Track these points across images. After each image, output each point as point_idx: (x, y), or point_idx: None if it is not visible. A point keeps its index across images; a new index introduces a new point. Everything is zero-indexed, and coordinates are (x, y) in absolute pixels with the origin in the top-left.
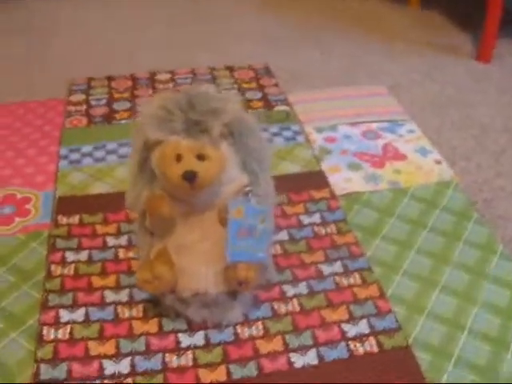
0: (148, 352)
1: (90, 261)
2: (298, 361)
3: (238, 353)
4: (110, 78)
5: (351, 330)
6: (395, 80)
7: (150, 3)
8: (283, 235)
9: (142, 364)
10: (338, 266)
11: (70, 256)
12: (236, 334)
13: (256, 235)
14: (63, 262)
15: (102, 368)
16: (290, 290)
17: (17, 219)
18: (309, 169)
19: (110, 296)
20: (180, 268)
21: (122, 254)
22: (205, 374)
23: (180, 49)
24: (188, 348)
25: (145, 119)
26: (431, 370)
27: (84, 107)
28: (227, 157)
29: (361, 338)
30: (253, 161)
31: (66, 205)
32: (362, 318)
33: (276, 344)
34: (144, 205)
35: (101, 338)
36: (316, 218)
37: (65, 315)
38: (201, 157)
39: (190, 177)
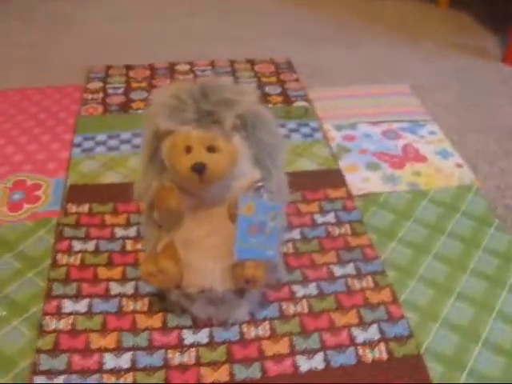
0: (150, 347)
1: (96, 251)
2: (304, 364)
3: (243, 353)
4: (128, 67)
5: (361, 335)
6: (419, 80)
7: None
8: (295, 234)
9: (143, 360)
10: (350, 268)
11: (77, 245)
12: (241, 334)
13: (266, 232)
14: (69, 251)
15: (102, 361)
16: (299, 291)
17: (26, 205)
18: (326, 167)
19: (115, 288)
20: (186, 263)
21: (129, 245)
22: (207, 373)
23: (201, 41)
24: (191, 345)
25: (156, 108)
26: (443, 381)
27: (101, 95)
28: (239, 150)
29: (370, 343)
30: (266, 156)
31: (76, 193)
32: (372, 322)
33: (282, 346)
34: (152, 196)
35: (103, 330)
36: (330, 217)
37: (68, 305)
38: (211, 149)
39: (198, 169)
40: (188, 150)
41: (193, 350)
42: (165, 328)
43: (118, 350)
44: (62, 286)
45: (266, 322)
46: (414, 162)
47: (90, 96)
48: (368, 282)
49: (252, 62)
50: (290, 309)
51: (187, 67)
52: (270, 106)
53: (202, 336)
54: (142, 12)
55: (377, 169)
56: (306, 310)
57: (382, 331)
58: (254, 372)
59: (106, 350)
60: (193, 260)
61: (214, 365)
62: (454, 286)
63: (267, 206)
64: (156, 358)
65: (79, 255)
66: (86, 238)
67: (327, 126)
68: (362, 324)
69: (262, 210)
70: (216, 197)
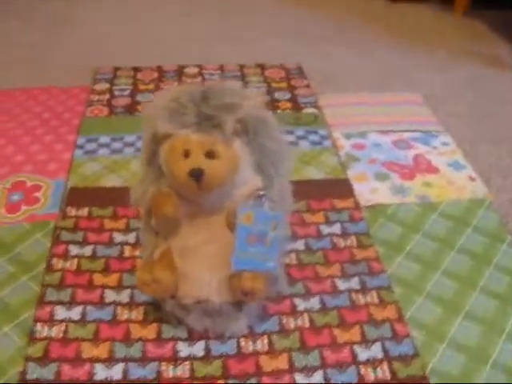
0: (143, 359)
1: (93, 256)
2: (303, 382)
3: (239, 367)
4: (136, 69)
5: (363, 353)
6: (432, 89)
7: None
8: (299, 244)
9: (136, 371)
10: (354, 282)
11: (74, 250)
12: (239, 348)
13: (267, 243)
14: (66, 256)
15: (92, 372)
16: (301, 304)
17: (24, 207)
18: (333, 176)
19: (110, 295)
20: (183, 272)
21: (127, 251)
22: None
23: (210, 44)
24: (186, 358)
25: (155, 111)
26: None
27: (107, 96)
28: (240, 156)
29: (373, 362)
30: (269, 163)
31: (76, 196)
32: (376, 340)
33: (281, 361)
34: (149, 202)
35: (95, 339)
36: (336, 228)
37: (61, 312)
38: (210, 154)
39: (196, 175)
40: (186, 154)
41: (187, 363)
42: (159, 339)
43: (110, 360)
44: (56, 291)
45: (265, 337)
46: (425, 173)
47: (96, 97)
48: (373, 297)
49: (262, 67)
50: (291, 323)
51: (196, 70)
52: (278, 111)
53: (198, 349)
54: (141, 12)
55: (386, 179)
56: (307, 325)
57: (385, 350)
58: None
59: (98, 360)
60: (189, 269)
61: (208, 379)
62: (462, 304)
63: (268, 215)
64: (148, 371)
65: (75, 260)
66: (84, 242)
67: (336, 134)
68: (365, 341)
69: (262, 220)
70: (215, 204)
